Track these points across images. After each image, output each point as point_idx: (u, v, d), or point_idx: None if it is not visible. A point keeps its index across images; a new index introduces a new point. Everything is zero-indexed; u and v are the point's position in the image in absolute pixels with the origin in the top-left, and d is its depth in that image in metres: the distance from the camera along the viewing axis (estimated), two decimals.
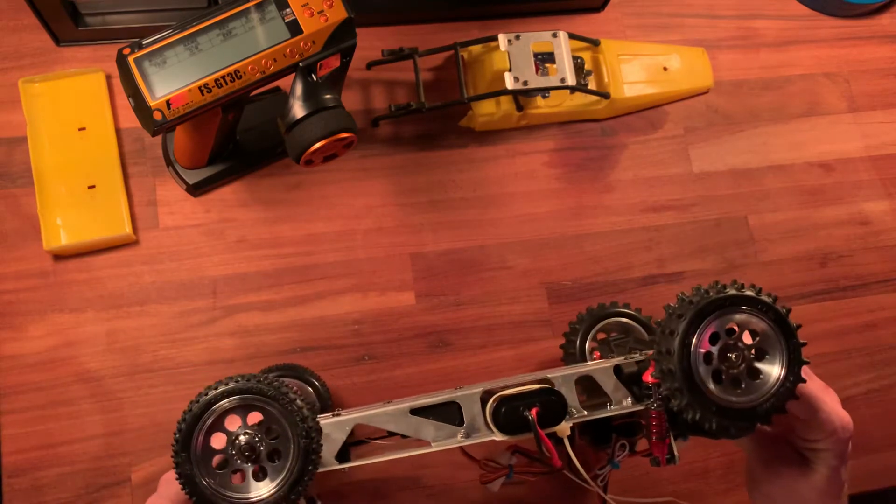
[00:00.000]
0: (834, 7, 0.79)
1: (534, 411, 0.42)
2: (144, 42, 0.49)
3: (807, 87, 0.78)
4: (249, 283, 0.64)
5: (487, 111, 0.68)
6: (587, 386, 0.46)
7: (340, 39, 0.52)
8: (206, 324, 0.63)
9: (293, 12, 0.51)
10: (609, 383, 0.45)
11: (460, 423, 0.44)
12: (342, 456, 0.44)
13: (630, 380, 0.46)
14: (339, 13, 0.52)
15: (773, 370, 0.41)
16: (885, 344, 0.72)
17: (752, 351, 0.42)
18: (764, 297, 0.41)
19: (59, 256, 0.62)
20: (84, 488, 0.59)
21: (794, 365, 0.41)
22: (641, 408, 0.45)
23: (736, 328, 0.42)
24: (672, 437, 0.45)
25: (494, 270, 0.68)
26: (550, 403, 0.43)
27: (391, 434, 0.44)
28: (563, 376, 0.45)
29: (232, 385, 0.40)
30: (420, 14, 0.72)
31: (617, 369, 0.46)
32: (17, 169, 0.63)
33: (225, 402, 0.40)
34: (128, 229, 0.63)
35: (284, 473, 0.39)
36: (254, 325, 0.64)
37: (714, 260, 0.71)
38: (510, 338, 0.67)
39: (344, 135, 0.54)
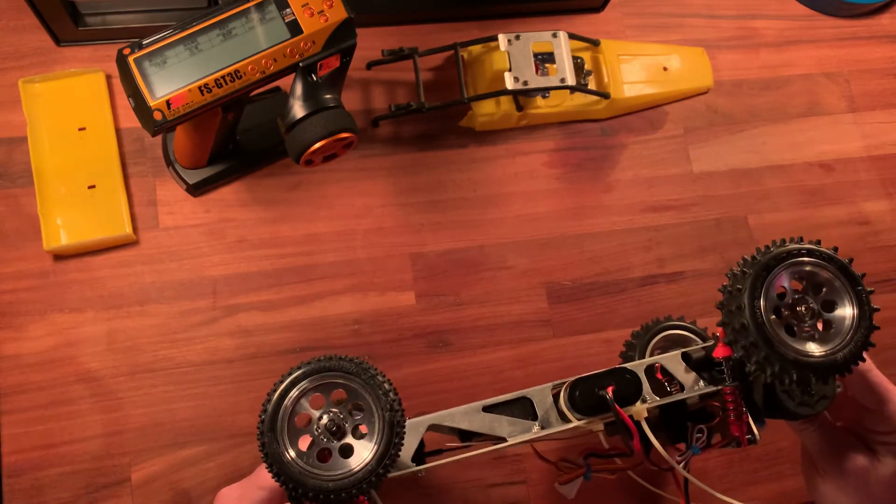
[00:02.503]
0: (834, 7, 0.79)
1: (609, 389, 0.43)
2: (144, 42, 0.49)
3: (807, 87, 0.78)
4: (249, 283, 0.64)
5: (487, 111, 0.68)
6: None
7: (340, 39, 0.52)
8: (206, 324, 0.63)
9: (293, 12, 0.51)
10: (679, 369, 0.46)
11: (534, 417, 0.45)
12: (417, 459, 0.44)
13: (700, 366, 0.46)
14: (339, 13, 0.52)
15: (845, 319, 0.41)
16: (886, 344, 0.72)
17: (821, 305, 0.41)
18: (825, 249, 0.41)
19: (59, 256, 0.62)
20: (84, 488, 0.59)
21: (865, 309, 0.41)
22: (715, 389, 0.45)
23: (801, 285, 0.42)
24: (750, 417, 0.45)
25: (494, 270, 0.68)
26: (625, 382, 0.44)
27: (463, 442, 0.45)
28: (632, 366, 0.45)
29: (314, 364, 0.40)
30: (420, 14, 0.72)
31: (685, 357, 0.46)
32: (17, 169, 0.63)
33: (308, 381, 0.40)
34: (128, 229, 0.63)
35: (372, 447, 0.39)
36: (254, 325, 0.64)
37: (714, 260, 0.71)
38: (510, 338, 0.67)
39: (344, 135, 0.54)
